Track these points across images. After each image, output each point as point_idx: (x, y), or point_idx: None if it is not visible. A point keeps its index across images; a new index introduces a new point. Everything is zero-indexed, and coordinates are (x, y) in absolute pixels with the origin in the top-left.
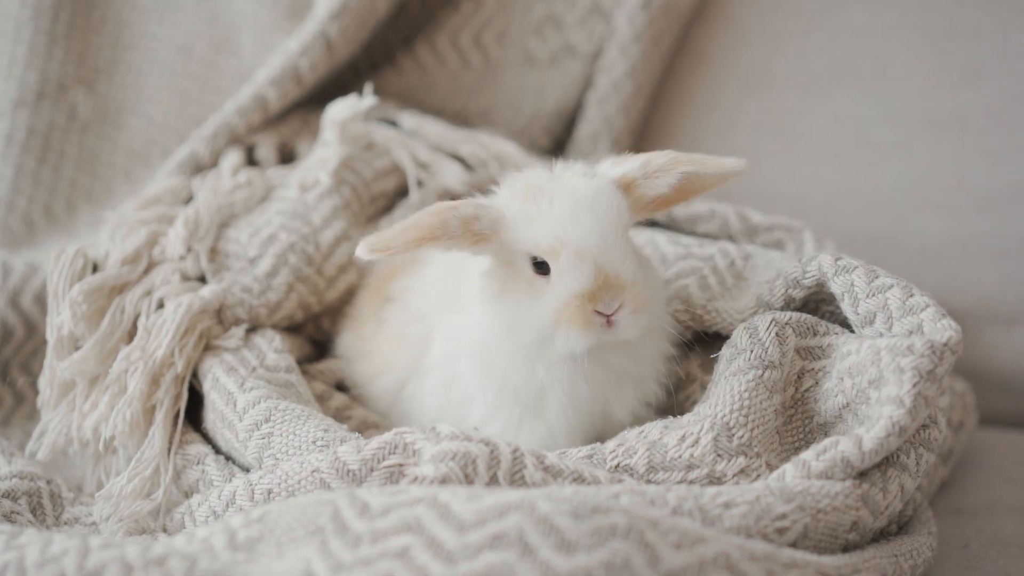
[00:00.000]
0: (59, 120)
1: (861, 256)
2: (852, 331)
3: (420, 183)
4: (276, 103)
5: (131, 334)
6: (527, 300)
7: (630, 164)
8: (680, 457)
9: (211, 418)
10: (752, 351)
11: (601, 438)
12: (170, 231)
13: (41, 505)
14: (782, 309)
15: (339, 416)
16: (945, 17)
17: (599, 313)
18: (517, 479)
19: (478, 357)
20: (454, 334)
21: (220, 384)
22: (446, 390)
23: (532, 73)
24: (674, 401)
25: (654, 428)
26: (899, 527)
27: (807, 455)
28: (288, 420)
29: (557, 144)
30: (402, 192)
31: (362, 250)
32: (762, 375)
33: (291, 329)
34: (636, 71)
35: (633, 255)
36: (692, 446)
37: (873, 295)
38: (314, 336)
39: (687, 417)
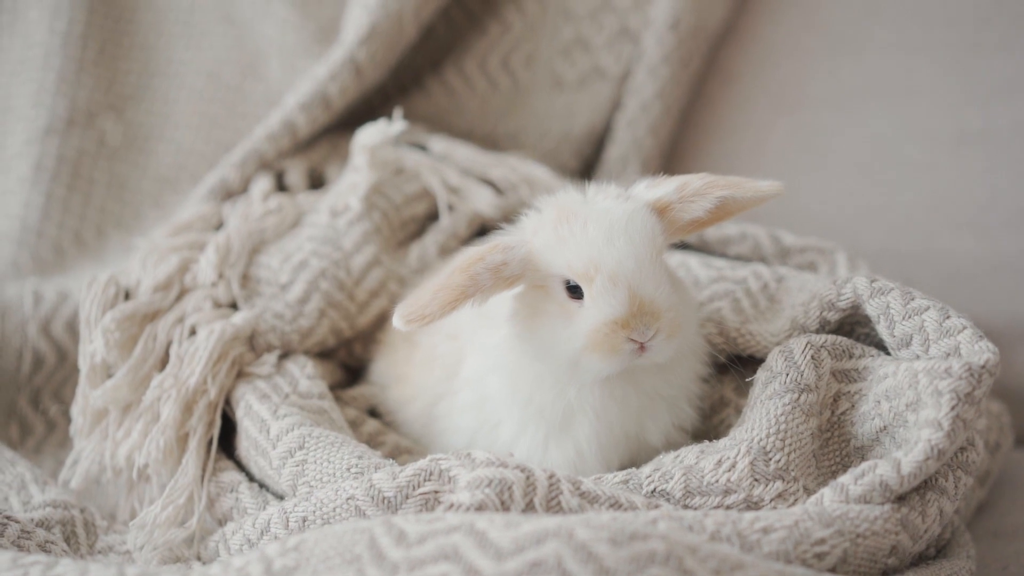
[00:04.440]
0: (88, 147)
1: (891, 275)
2: (888, 353)
3: (450, 207)
4: (305, 128)
5: (164, 362)
6: (559, 324)
7: (665, 187)
8: (717, 482)
9: (244, 445)
10: (788, 374)
11: (635, 463)
12: (201, 258)
13: (75, 534)
14: (817, 332)
15: (372, 442)
16: (971, 34)
17: (633, 340)
18: (554, 505)
19: (505, 376)
20: (485, 352)
21: (253, 411)
22: (479, 410)
23: (561, 96)
24: (709, 425)
25: (690, 453)
26: (937, 551)
27: (845, 479)
28: (322, 447)
29: (586, 166)
30: (433, 216)
31: (398, 322)
32: (798, 398)
33: (323, 355)
34: (665, 92)
35: (667, 279)
36: (729, 471)
37: (909, 317)
38: (346, 362)
39: (723, 441)
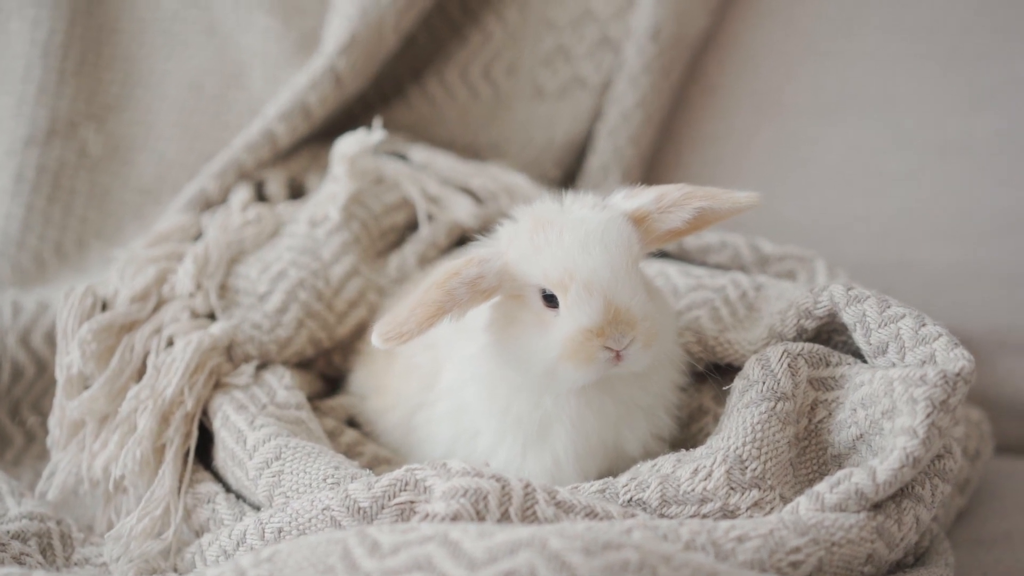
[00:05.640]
0: (69, 158)
1: (871, 284)
2: (865, 361)
3: (430, 217)
4: (285, 138)
5: (141, 373)
6: (535, 333)
7: (643, 198)
8: (693, 491)
9: (221, 456)
10: (764, 383)
11: (613, 472)
12: (179, 268)
13: (51, 546)
14: (794, 340)
15: (350, 453)
16: (953, 43)
17: (608, 348)
18: (529, 515)
19: (482, 386)
20: (463, 362)
21: (230, 422)
22: (457, 420)
23: (542, 105)
24: (688, 434)
25: (667, 461)
26: (916, 559)
27: (821, 487)
28: (298, 458)
29: (568, 176)
30: (412, 226)
31: (377, 340)
32: (775, 407)
33: (302, 365)
34: (646, 102)
35: (643, 288)
36: (705, 479)
37: (885, 325)
38: (325, 372)
39: (700, 450)
